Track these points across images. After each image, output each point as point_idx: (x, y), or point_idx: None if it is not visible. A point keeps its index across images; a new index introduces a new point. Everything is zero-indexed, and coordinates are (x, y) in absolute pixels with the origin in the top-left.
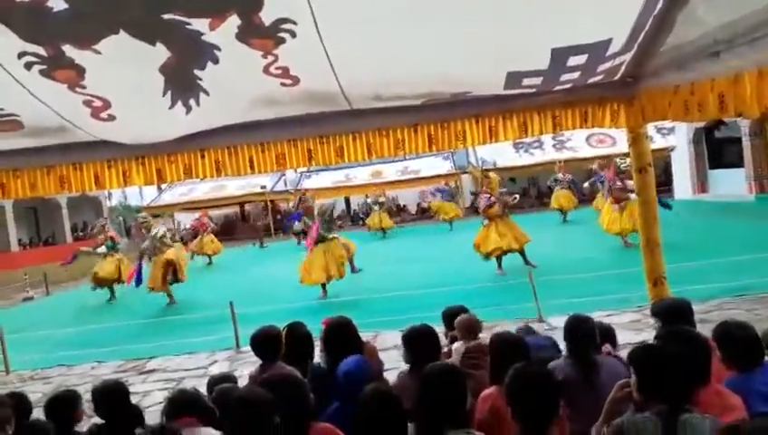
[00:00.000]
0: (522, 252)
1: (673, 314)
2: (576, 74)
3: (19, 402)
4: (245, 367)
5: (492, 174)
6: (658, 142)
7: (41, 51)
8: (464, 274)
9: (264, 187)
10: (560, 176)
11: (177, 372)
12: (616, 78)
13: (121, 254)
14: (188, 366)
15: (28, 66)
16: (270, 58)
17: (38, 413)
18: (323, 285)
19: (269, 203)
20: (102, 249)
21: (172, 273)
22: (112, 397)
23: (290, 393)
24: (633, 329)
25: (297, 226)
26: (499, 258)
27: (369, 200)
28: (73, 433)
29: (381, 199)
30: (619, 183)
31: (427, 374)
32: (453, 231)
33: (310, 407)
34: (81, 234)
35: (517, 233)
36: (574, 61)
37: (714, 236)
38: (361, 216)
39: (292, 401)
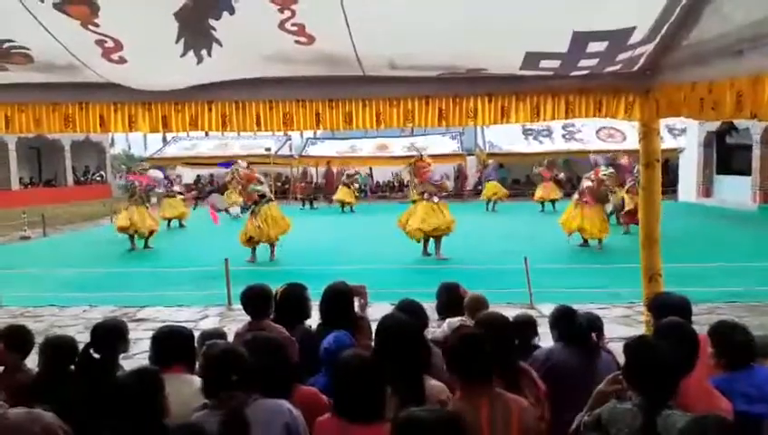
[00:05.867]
0: (439, 239)
1: (669, 311)
2: (594, 61)
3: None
4: (234, 324)
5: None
6: (669, 142)
7: None
8: (468, 252)
9: (268, 149)
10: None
11: (167, 323)
12: (634, 69)
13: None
14: (179, 319)
15: None
16: (287, 13)
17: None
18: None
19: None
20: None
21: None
22: (113, 334)
23: (273, 354)
24: (624, 324)
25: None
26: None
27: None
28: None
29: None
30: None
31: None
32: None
33: (293, 369)
34: (82, 178)
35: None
36: (594, 47)
37: (713, 241)
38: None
39: (275, 362)
